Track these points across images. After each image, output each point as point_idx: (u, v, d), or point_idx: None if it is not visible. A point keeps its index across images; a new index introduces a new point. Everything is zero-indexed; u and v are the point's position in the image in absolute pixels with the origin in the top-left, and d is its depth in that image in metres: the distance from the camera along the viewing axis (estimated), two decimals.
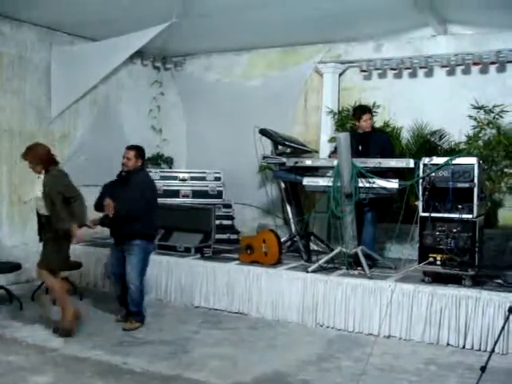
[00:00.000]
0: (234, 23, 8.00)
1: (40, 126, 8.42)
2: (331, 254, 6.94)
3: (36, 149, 6.13)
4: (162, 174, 9.07)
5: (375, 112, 8.25)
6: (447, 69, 8.08)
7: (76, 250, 8.18)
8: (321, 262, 6.86)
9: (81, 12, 7.63)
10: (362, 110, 7.52)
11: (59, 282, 6.26)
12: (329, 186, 6.76)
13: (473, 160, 6.13)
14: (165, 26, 7.59)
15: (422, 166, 6.26)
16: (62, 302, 6.18)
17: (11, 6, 7.52)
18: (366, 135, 7.35)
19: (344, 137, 6.58)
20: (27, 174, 6.51)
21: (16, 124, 8.14)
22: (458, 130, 7.83)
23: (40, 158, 6.05)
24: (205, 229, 8.01)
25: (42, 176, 6.04)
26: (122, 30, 7.87)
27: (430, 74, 8.30)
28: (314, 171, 7.37)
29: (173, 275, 7.51)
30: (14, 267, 7.25)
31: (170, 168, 10.20)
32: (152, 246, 6.59)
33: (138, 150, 6.45)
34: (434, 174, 6.18)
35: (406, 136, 8.25)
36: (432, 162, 6.23)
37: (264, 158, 7.80)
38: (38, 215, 6.15)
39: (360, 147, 7.21)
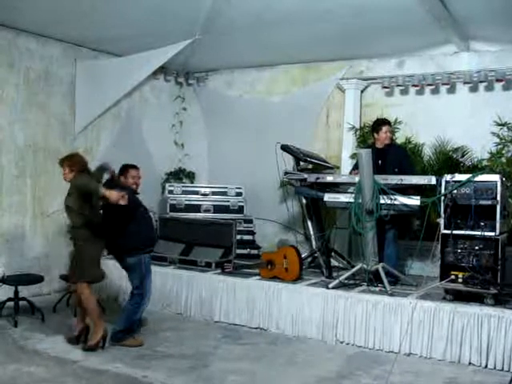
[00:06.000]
0: (255, 40, 8.06)
1: (64, 141, 8.53)
2: (352, 271, 6.91)
3: None
4: (184, 189, 9.13)
5: (397, 128, 8.25)
6: (470, 85, 8.02)
7: None
8: (341, 278, 6.84)
9: (105, 28, 7.75)
10: (382, 122, 7.52)
11: None
12: (350, 203, 6.75)
13: (495, 177, 6.08)
14: (188, 42, 7.68)
15: (444, 183, 6.22)
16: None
17: (38, 23, 7.67)
18: (384, 150, 7.34)
19: (366, 153, 6.58)
20: (50, 187, 6.60)
21: (40, 138, 8.24)
22: (480, 146, 7.78)
23: None
24: (226, 244, 8.04)
25: None
26: (146, 46, 7.98)
27: (452, 90, 8.26)
28: (335, 187, 7.39)
29: (193, 290, 7.52)
30: (36, 279, 7.32)
31: (192, 183, 10.25)
32: None
33: None
34: (456, 191, 6.14)
35: (427, 152, 8.19)
36: (454, 179, 6.19)
37: (285, 173, 7.79)
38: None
39: (379, 162, 7.20)
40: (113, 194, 5.76)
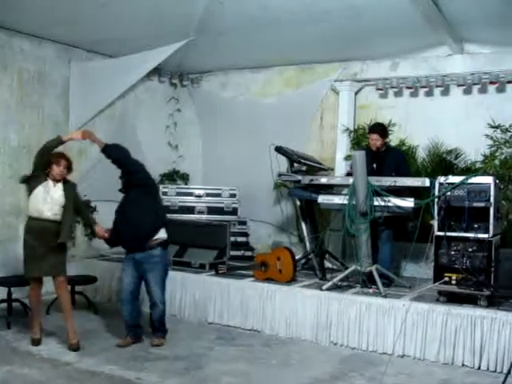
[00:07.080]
0: (250, 41, 8.07)
1: None
2: (346, 272, 6.91)
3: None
4: (178, 190, 9.11)
5: (391, 130, 8.25)
6: (463, 87, 8.03)
7: (91, 264, 8.26)
8: (335, 280, 6.84)
9: (99, 29, 7.75)
10: (371, 129, 7.57)
11: None
12: (344, 204, 6.76)
13: (489, 179, 6.10)
14: (182, 43, 7.68)
15: (437, 185, 6.24)
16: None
17: (32, 24, 7.66)
18: (380, 153, 7.35)
19: (359, 155, 6.59)
20: None
21: (34, 140, 8.18)
22: (474, 148, 7.80)
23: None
24: (220, 245, 8.04)
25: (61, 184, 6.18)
26: (140, 47, 7.97)
27: (446, 92, 8.28)
28: (329, 189, 7.39)
29: (187, 291, 7.51)
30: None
31: (186, 184, 10.23)
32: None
33: None
34: (449, 193, 6.15)
35: (421, 155, 8.20)
36: (448, 181, 6.20)
37: (279, 175, 7.80)
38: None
39: (375, 165, 7.21)
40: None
